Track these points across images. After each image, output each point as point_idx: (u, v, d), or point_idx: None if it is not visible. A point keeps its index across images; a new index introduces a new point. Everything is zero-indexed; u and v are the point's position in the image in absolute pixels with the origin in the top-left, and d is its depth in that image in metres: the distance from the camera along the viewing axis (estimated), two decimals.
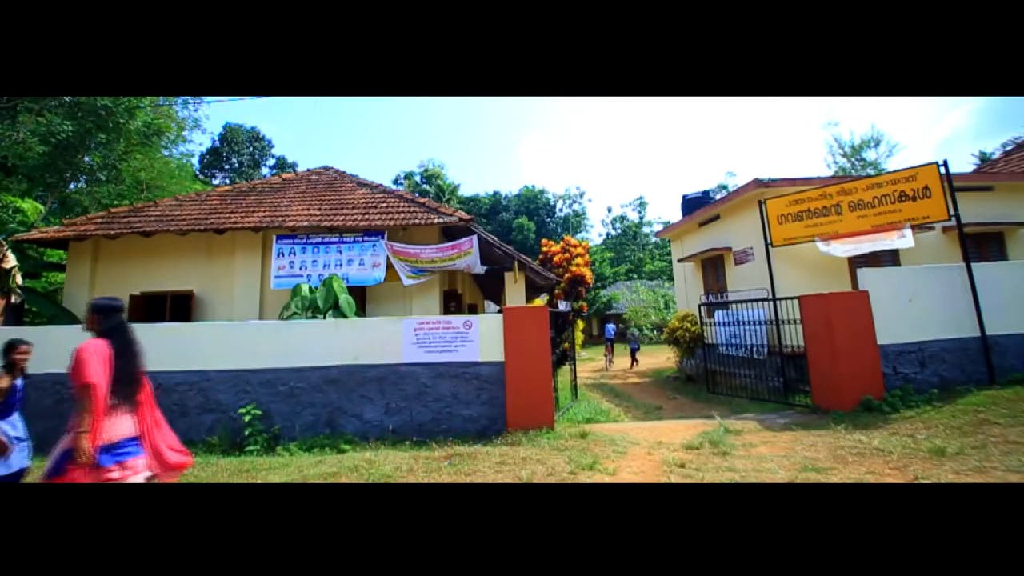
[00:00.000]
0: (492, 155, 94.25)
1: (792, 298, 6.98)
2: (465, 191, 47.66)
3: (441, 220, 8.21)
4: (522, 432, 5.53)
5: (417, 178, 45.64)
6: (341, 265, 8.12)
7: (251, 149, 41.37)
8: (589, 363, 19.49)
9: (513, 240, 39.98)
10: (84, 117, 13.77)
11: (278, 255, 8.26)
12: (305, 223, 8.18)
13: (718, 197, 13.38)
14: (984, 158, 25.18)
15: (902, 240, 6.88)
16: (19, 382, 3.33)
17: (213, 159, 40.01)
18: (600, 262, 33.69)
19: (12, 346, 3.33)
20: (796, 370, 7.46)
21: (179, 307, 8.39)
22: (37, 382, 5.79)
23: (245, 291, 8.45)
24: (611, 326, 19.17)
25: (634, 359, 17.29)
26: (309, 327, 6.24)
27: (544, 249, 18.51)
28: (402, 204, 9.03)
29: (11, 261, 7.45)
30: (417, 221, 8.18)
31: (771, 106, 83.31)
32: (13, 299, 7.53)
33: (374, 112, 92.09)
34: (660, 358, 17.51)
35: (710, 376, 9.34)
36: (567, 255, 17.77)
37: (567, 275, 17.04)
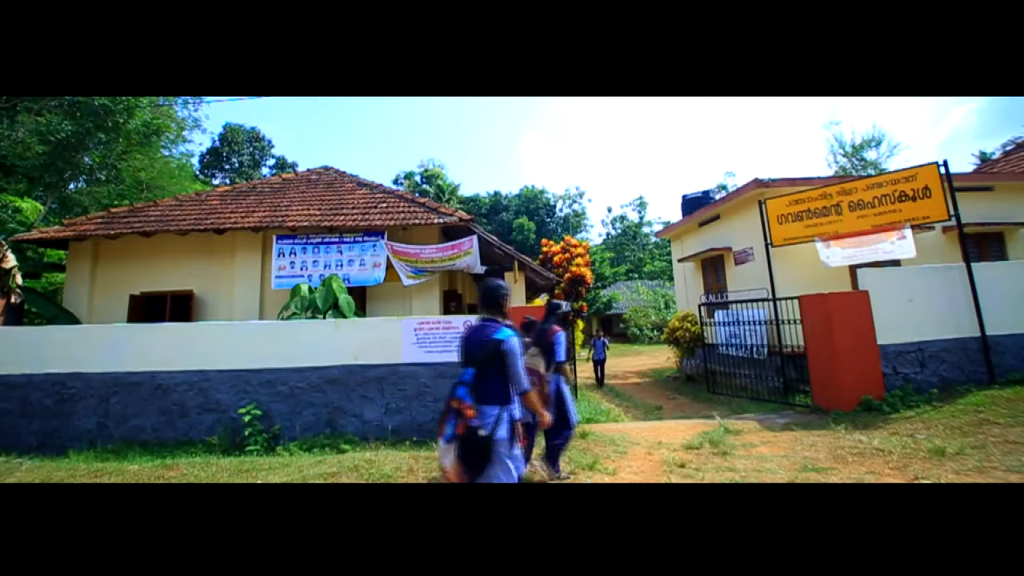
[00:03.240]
0: (492, 155, 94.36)
1: (792, 298, 6.97)
2: (465, 191, 47.58)
3: (441, 220, 8.21)
4: None
5: (417, 178, 45.58)
6: (341, 265, 8.12)
7: (251, 149, 41.28)
8: (589, 363, 19.45)
9: (513, 240, 39.93)
10: (83, 117, 13.75)
11: (278, 255, 8.25)
12: (305, 223, 8.18)
13: (718, 197, 13.37)
14: (984, 158, 25.15)
15: (903, 248, 6.84)
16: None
17: (213, 159, 39.94)
18: (600, 262, 33.62)
19: (558, 307, 3.47)
20: (796, 370, 7.46)
21: (179, 307, 8.39)
22: (37, 382, 5.82)
23: (245, 291, 8.45)
24: (601, 342, 13.21)
25: (599, 374, 12.82)
26: (309, 327, 6.23)
27: (544, 249, 18.52)
28: (402, 204, 9.03)
29: (11, 261, 7.46)
30: (417, 221, 8.18)
31: (771, 106, 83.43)
32: (13, 299, 7.54)
33: (374, 112, 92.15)
34: (660, 358, 17.49)
35: (710, 376, 9.34)
36: (567, 255, 17.77)
37: (567, 275, 17.05)
